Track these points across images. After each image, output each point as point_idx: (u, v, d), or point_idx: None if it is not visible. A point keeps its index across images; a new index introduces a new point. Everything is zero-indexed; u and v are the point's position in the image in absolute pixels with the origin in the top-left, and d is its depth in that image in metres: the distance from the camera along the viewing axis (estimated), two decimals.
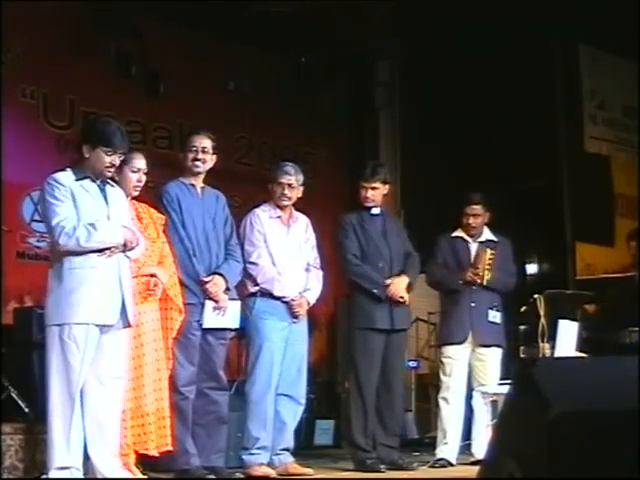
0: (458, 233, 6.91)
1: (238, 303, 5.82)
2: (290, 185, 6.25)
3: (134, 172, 5.44)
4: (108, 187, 5.08)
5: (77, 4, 8.40)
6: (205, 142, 5.90)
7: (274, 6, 8.80)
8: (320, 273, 6.41)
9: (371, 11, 9.28)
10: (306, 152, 9.99)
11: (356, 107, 10.34)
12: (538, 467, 3.10)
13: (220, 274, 5.74)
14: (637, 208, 7.25)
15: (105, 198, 5.03)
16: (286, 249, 6.26)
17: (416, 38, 9.33)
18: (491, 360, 6.74)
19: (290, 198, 6.27)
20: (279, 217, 6.29)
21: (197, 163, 5.86)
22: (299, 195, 6.34)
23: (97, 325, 4.87)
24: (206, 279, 5.68)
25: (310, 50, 9.50)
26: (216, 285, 5.69)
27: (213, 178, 6.06)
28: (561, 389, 2.98)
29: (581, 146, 9.92)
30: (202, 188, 5.94)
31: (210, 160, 5.91)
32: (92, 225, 4.87)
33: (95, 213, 4.93)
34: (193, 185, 5.89)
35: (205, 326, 5.63)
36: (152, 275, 5.37)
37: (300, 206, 6.52)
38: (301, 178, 6.33)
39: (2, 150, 7.78)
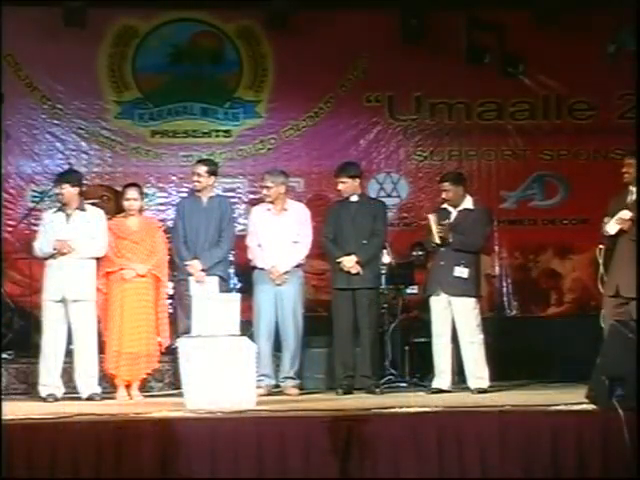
0: (445, 205, 8.01)
1: (216, 278, 7.77)
2: (267, 187, 7.94)
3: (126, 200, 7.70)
4: (77, 212, 7.42)
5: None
6: (199, 169, 7.95)
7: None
8: (300, 245, 7.90)
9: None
10: None
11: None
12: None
13: (197, 258, 7.81)
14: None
15: (69, 222, 7.37)
16: (273, 233, 7.85)
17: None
18: (462, 308, 7.71)
19: (270, 196, 7.94)
20: (269, 210, 7.97)
21: (195, 184, 7.98)
22: (281, 191, 7.91)
23: (56, 301, 7.36)
24: (187, 262, 7.83)
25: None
26: (192, 267, 7.82)
27: None
28: None
29: None
30: (210, 198, 7.93)
31: (205, 181, 7.89)
32: (42, 242, 7.34)
33: (59, 233, 7.30)
34: (199, 197, 7.96)
35: (192, 294, 7.50)
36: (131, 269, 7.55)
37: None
38: (277, 179, 7.92)
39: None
